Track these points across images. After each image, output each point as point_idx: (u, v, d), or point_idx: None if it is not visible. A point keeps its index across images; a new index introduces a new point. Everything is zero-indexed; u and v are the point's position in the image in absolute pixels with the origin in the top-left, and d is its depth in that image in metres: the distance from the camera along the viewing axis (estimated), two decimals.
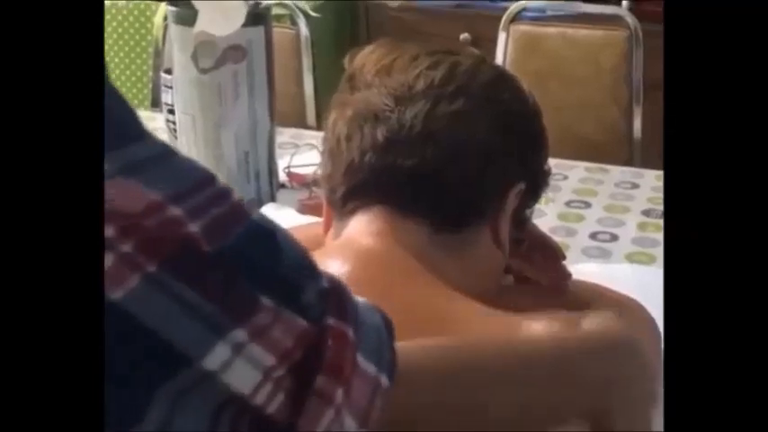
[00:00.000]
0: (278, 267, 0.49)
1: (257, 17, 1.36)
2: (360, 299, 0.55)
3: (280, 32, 1.87)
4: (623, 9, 2.56)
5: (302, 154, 1.60)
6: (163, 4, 1.96)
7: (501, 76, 0.81)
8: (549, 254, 0.86)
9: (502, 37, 2.25)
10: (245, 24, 1.32)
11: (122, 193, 0.45)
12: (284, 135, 1.76)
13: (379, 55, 0.79)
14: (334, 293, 0.52)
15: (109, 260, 0.43)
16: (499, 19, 2.28)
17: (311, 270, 0.52)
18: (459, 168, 0.76)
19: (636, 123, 2.17)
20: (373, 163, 0.76)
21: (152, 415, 0.45)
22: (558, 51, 2.24)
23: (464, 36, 2.96)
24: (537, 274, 0.86)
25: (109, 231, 0.44)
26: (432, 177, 0.75)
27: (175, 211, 0.46)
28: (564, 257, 0.87)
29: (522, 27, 2.28)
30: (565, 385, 0.64)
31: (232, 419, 0.47)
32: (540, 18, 2.52)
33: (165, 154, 0.49)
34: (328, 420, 0.49)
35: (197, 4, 1.27)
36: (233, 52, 1.35)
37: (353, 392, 0.50)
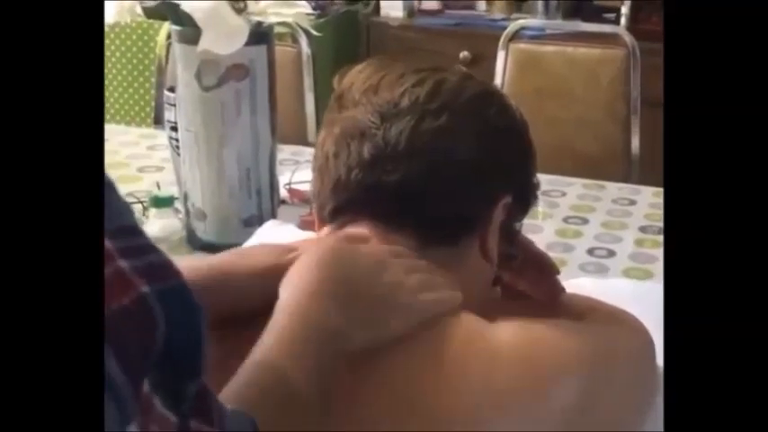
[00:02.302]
0: (179, 345, 0.46)
1: (260, 36, 1.38)
2: (229, 408, 0.52)
3: (281, 51, 1.89)
4: (621, 28, 2.59)
5: (303, 170, 1.61)
6: (166, 24, 1.98)
7: (486, 91, 0.82)
8: (543, 269, 0.87)
9: (501, 55, 2.27)
10: (248, 43, 1.33)
11: None
12: (285, 152, 1.78)
13: (368, 74, 0.81)
14: (204, 395, 0.49)
15: None
16: (498, 37, 2.31)
17: (202, 363, 0.48)
18: (443, 183, 0.77)
19: (634, 140, 2.19)
20: (360, 179, 0.77)
21: None
22: (557, 69, 2.27)
23: (464, 54, 2.98)
24: (530, 288, 0.87)
25: None
26: (417, 192, 0.77)
27: (108, 244, 0.42)
28: (558, 272, 0.88)
29: (521, 45, 2.30)
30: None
31: None
32: (539, 36, 2.55)
33: (112, 187, 0.46)
34: None
35: (201, 24, 1.29)
36: (236, 71, 1.37)
37: None
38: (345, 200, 0.78)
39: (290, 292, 0.69)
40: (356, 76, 0.81)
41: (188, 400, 0.47)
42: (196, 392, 0.48)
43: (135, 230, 0.45)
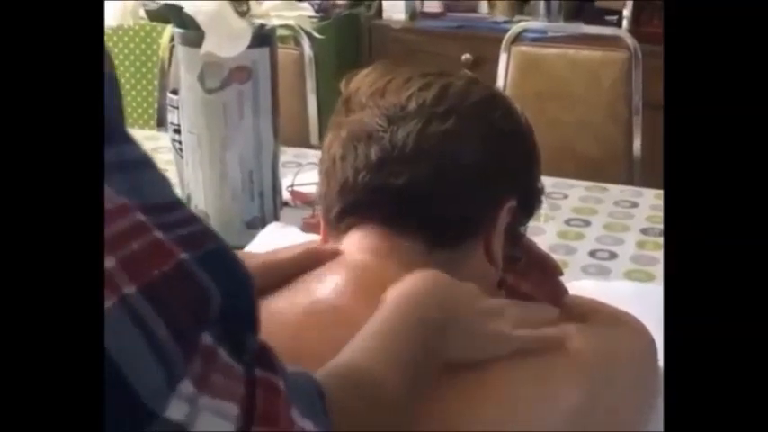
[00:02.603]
0: (230, 301, 0.47)
1: (262, 39, 1.38)
2: (292, 366, 0.53)
3: (284, 53, 1.89)
4: (623, 30, 2.60)
5: (305, 173, 1.62)
6: (169, 26, 1.99)
7: (492, 95, 0.83)
8: (547, 271, 0.88)
9: (503, 58, 2.28)
10: (251, 46, 1.34)
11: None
12: (287, 154, 1.79)
13: (374, 78, 0.81)
14: (265, 349, 0.50)
15: None
16: (500, 40, 2.31)
17: (255, 317, 0.50)
18: (449, 186, 0.78)
19: (635, 143, 2.20)
20: (367, 182, 0.78)
21: None
22: (559, 72, 2.27)
23: (466, 57, 2.99)
24: (534, 290, 0.87)
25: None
26: (423, 195, 0.77)
27: (143, 218, 0.44)
28: (561, 274, 0.88)
29: (524, 48, 2.31)
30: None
31: None
32: (541, 39, 2.55)
33: (151, 163, 0.48)
34: None
35: (204, 27, 1.29)
36: (238, 73, 1.38)
37: None
38: (352, 202, 0.79)
39: (393, 305, 0.69)
40: (363, 80, 0.82)
41: (250, 351, 0.48)
42: (258, 346, 0.49)
43: (173, 205, 0.47)
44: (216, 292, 0.46)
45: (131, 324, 0.42)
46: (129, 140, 0.47)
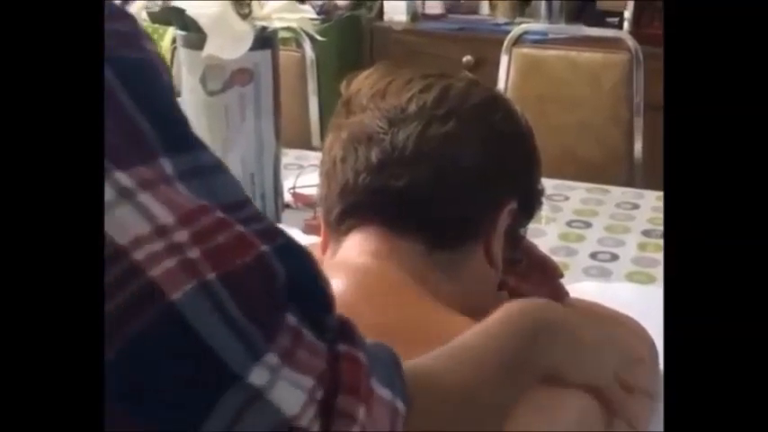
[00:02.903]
0: (309, 285, 0.51)
1: (264, 41, 1.38)
2: (368, 339, 0.56)
3: (285, 55, 1.90)
4: (624, 32, 2.60)
5: (307, 175, 1.62)
6: (171, 29, 1.99)
7: (493, 97, 0.83)
8: (547, 272, 0.88)
9: (504, 59, 2.28)
10: (253, 48, 1.34)
11: (179, 197, 0.46)
12: (289, 156, 1.79)
13: (375, 79, 0.82)
14: (345, 324, 0.54)
15: (171, 262, 0.45)
16: (501, 42, 2.31)
17: (331, 298, 0.53)
18: (450, 188, 0.78)
19: (636, 144, 2.20)
20: (367, 184, 0.78)
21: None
22: (560, 74, 2.27)
23: (467, 59, 2.99)
24: (534, 292, 0.87)
25: (181, 236, 0.45)
26: (424, 197, 0.77)
27: (225, 216, 0.48)
28: (562, 276, 0.89)
29: (524, 50, 2.31)
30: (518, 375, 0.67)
31: None
32: (542, 41, 2.56)
33: (223, 166, 0.51)
34: None
35: (206, 29, 1.30)
36: (240, 75, 1.38)
37: (374, 414, 0.51)
38: (352, 204, 0.79)
39: (498, 323, 0.69)
40: (363, 82, 0.82)
41: (331, 329, 0.51)
42: (338, 323, 0.53)
43: (245, 203, 0.51)
44: (292, 279, 0.50)
45: (210, 306, 0.45)
46: (202, 147, 0.50)
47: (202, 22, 1.29)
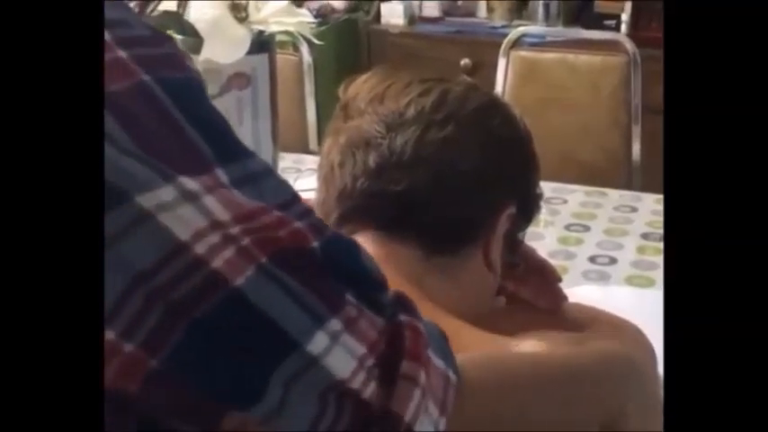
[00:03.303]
0: (359, 270, 0.54)
1: (261, 45, 1.38)
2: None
3: (282, 59, 1.90)
4: (622, 35, 2.60)
5: (304, 179, 1.62)
6: (167, 33, 1.99)
7: (491, 101, 0.83)
8: (546, 277, 0.88)
9: (502, 62, 2.28)
10: (250, 52, 1.34)
11: (239, 199, 0.49)
12: (287, 160, 1.79)
13: (373, 83, 0.81)
14: (403, 298, 0.57)
15: (230, 252, 0.48)
16: (499, 45, 2.31)
17: (383, 278, 0.56)
18: (448, 193, 0.78)
19: (635, 147, 2.20)
20: (365, 188, 0.78)
21: (269, 397, 0.49)
22: (558, 77, 2.27)
23: (465, 62, 2.99)
24: (533, 296, 0.87)
25: (235, 229, 0.48)
26: (422, 202, 0.77)
27: (281, 214, 0.51)
28: (560, 280, 0.88)
29: (522, 53, 2.31)
30: (585, 401, 0.68)
31: (336, 403, 0.50)
32: (540, 44, 2.56)
33: (270, 170, 0.54)
34: (417, 401, 0.52)
35: (204, 34, 1.29)
36: (237, 79, 1.38)
37: (432, 379, 0.54)
38: (350, 208, 0.79)
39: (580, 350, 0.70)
40: (361, 86, 0.82)
41: (388, 305, 0.54)
42: (394, 299, 0.55)
43: (295, 200, 0.53)
44: (345, 265, 0.53)
45: (275, 285, 0.49)
46: (250, 154, 0.53)
47: (199, 26, 1.29)
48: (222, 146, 0.51)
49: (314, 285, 0.50)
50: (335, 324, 0.50)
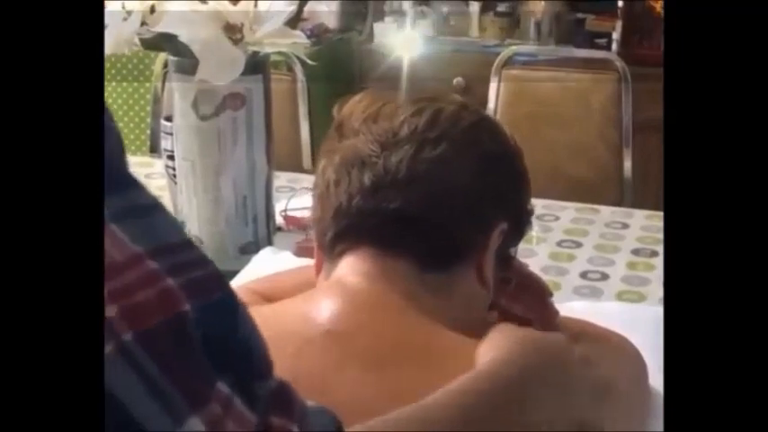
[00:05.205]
0: (240, 349, 0.49)
1: (256, 66, 1.39)
2: (310, 402, 0.54)
3: (276, 79, 1.91)
4: (612, 53, 2.62)
5: (299, 197, 1.63)
6: (162, 54, 2.00)
7: (482, 120, 0.85)
8: (537, 292, 0.89)
9: (494, 81, 2.30)
10: (245, 73, 1.35)
11: (109, 242, 0.45)
12: (281, 179, 1.80)
13: (366, 103, 0.83)
14: (284, 392, 0.51)
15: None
16: (491, 63, 2.33)
17: (267, 360, 0.51)
18: (442, 210, 0.79)
19: (626, 164, 2.21)
20: (360, 206, 0.79)
21: None
22: (550, 94, 2.29)
23: (457, 80, 3.01)
24: (525, 311, 0.88)
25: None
26: (416, 219, 0.78)
27: (154, 266, 0.45)
28: (551, 295, 0.89)
29: (514, 71, 2.33)
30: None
31: None
32: (532, 62, 2.57)
33: (160, 207, 0.49)
34: None
35: (198, 55, 1.31)
36: (232, 100, 1.39)
37: None
38: (346, 226, 0.80)
39: (498, 361, 0.69)
40: (355, 106, 0.83)
41: (263, 398, 0.48)
42: (273, 391, 0.50)
43: (185, 246, 0.48)
44: (226, 340, 0.47)
45: (129, 369, 0.44)
46: (137, 185, 0.48)
47: (194, 47, 1.30)
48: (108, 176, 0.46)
49: (178, 373, 0.44)
50: (195, 424, 0.44)
